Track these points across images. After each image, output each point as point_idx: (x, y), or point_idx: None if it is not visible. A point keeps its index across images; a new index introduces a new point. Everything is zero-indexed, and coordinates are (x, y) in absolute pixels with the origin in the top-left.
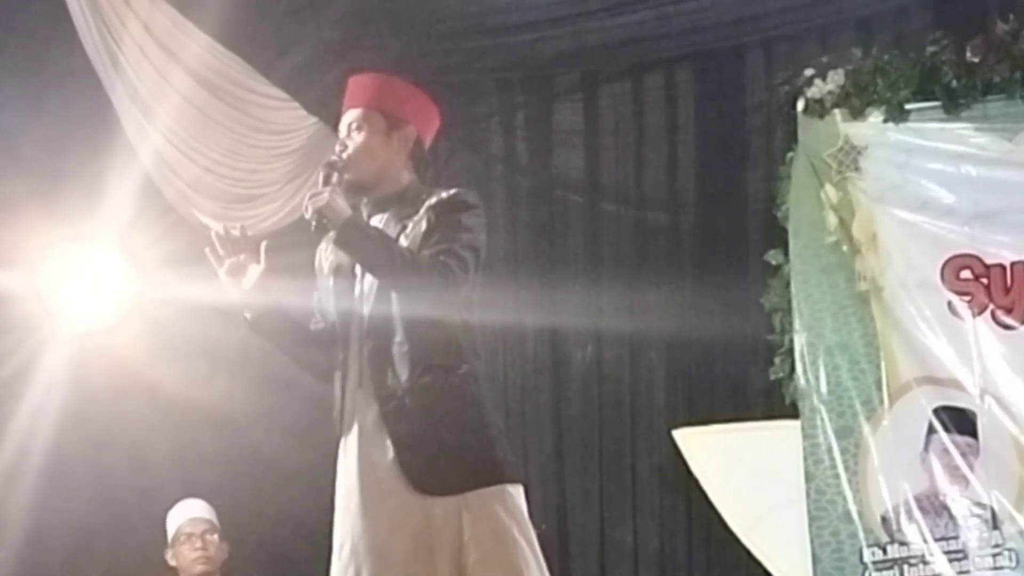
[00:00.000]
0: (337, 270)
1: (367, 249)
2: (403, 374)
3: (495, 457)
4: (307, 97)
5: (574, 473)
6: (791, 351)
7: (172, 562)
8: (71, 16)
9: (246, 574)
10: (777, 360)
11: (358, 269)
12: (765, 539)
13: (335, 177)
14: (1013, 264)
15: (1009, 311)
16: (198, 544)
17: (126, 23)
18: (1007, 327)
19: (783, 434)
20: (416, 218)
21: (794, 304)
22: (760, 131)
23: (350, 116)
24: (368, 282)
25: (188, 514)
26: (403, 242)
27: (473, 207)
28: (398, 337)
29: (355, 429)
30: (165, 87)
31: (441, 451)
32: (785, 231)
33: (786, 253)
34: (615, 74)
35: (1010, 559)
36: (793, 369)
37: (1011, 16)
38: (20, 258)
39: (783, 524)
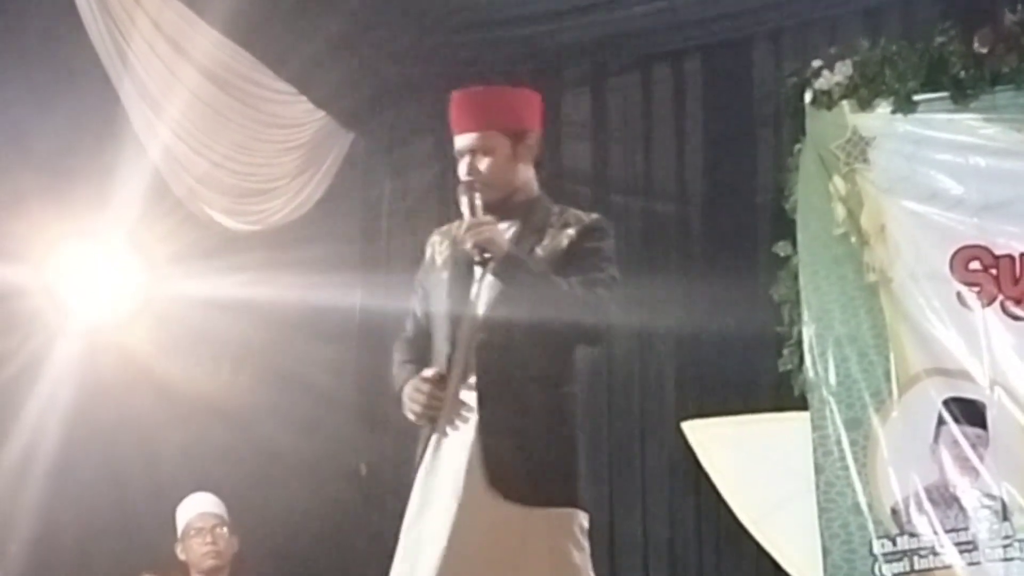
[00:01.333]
0: (455, 265)
1: (527, 282)
2: (511, 379)
3: (576, 481)
4: (316, 91)
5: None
6: (800, 343)
7: (182, 556)
8: (79, 12)
9: (256, 568)
10: (786, 352)
11: (477, 268)
12: (775, 531)
13: (478, 200)
14: (1022, 255)
15: (1018, 302)
16: (208, 538)
17: (135, 19)
18: (1016, 318)
19: (792, 426)
20: (552, 233)
21: (803, 296)
22: (768, 122)
23: (469, 140)
24: (487, 282)
25: (198, 508)
26: (539, 253)
27: (610, 236)
28: (511, 343)
29: (451, 426)
30: (174, 82)
31: (532, 462)
32: (793, 222)
33: (794, 245)
34: (623, 66)
35: (1020, 550)
36: (802, 361)
37: (1019, 6)
38: (29, 253)
39: (792, 516)
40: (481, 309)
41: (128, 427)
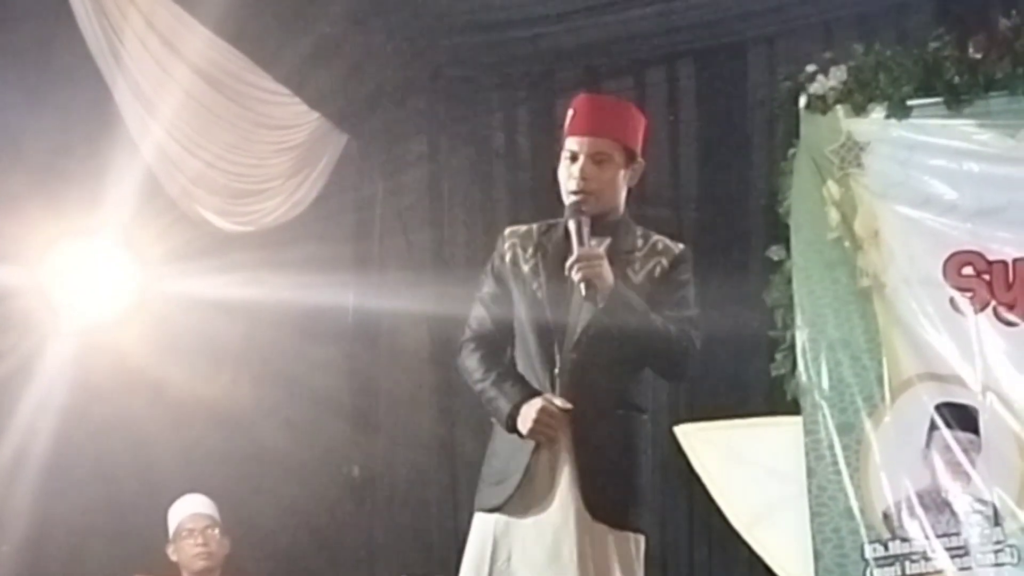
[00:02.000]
0: (549, 279)
1: (629, 319)
2: (605, 399)
3: (642, 506)
4: (308, 92)
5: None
6: (793, 347)
7: (173, 557)
8: (73, 11)
9: (247, 569)
10: (779, 356)
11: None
12: (766, 535)
13: (586, 228)
14: (1015, 261)
15: (1011, 307)
16: (199, 539)
17: (128, 16)
18: (1009, 323)
19: (785, 430)
20: (640, 258)
21: (796, 300)
22: (762, 127)
23: (590, 144)
24: (586, 304)
25: (190, 509)
26: (633, 279)
27: (690, 267)
28: (604, 368)
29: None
30: (167, 81)
31: (616, 483)
32: (787, 227)
33: (788, 249)
34: (617, 70)
35: (1012, 555)
36: (795, 365)
37: (1013, 12)
38: (22, 253)
39: (784, 520)
40: (579, 328)
41: (120, 427)
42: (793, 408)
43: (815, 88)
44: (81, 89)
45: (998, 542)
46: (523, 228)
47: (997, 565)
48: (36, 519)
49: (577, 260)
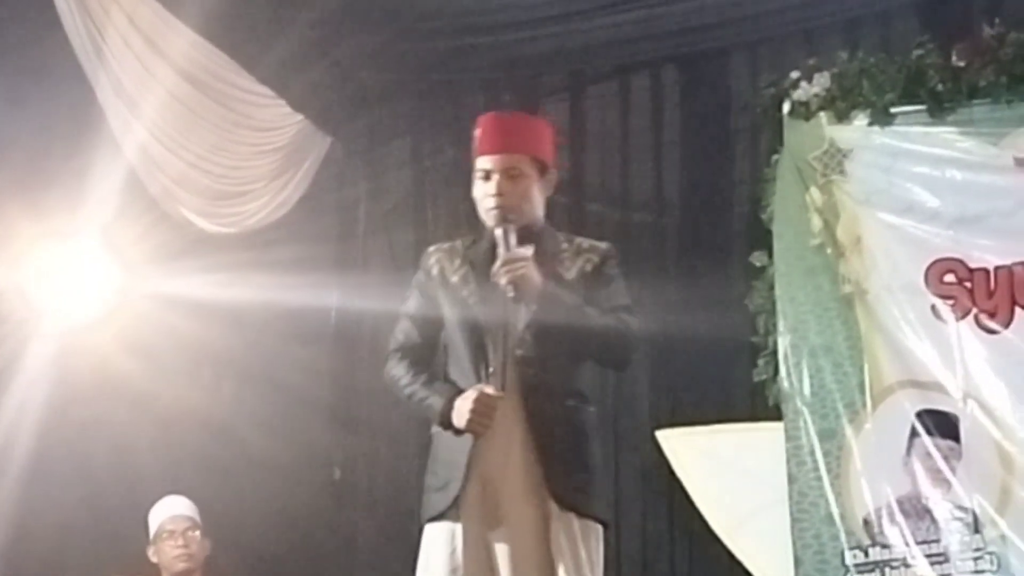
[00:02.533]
0: (480, 285)
1: (562, 314)
2: (554, 393)
3: (601, 495)
4: (292, 94)
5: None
6: (775, 353)
7: (154, 559)
8: (56, 6)
9: (228, 571)
10: (761, 362)
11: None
12: (747, 541)
13: (512, 235)
14: (997, 268)
15: (992, 315)
16: (180, 541)
17: (111, 15)
18: (990, 331)
19: (766, 436)
20: (567, 259)
21: (778, 306)
22: (745, 133)
23: (499, 160)
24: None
25: (170, 511)
26: (566, 277)
27: (617, 263)
28: (549, 362)
29: (492, 437)
30: (150, 81)
31: (575, 471)
32: (770, 233)
33: (770, 255)
34: (601, 75)
35: (991, 563)
36: (777, 371)
37: (997, 20)
38: (3, 254)
39: (765, 526)
40: (521, 325)
41: (101, 429)
42: (775, 414)
43: (798, 95)
44: (64, 88)
45: (978, 549)
46: (447, 244)
47: (977, 572)
48: (16, 520)
49: (503, 264)
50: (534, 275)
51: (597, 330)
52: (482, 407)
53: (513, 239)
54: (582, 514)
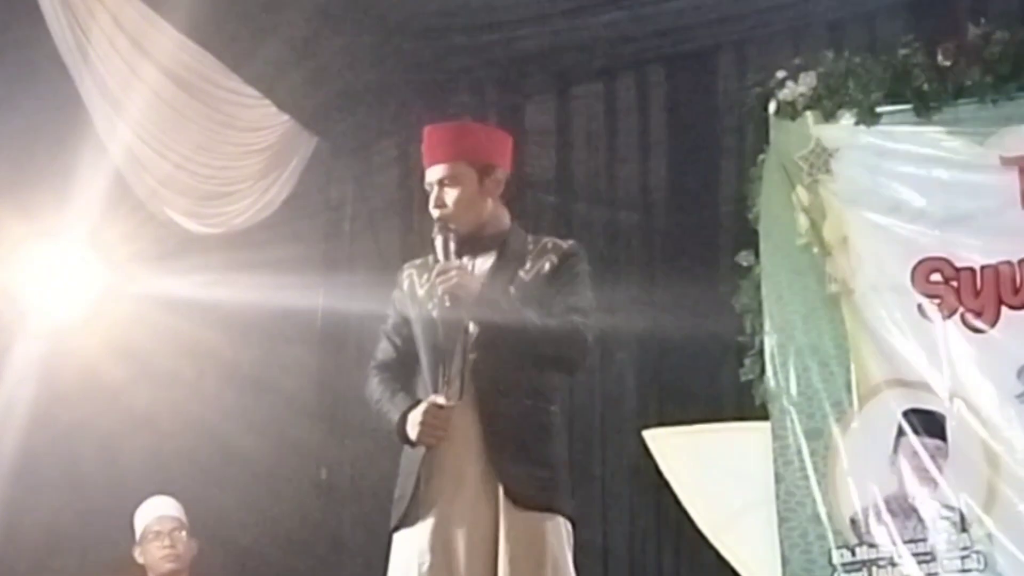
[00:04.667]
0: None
1: (501, 320)
2: (510, 394)
3: (565, 491)
4: (277, 94)
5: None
6: (761, 352)
7: (140, 559)
8: (40, 6)
9: (215, 572)
10: (747, 361)
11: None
12: (735, 540)
13: (452, 243)
14: (983, 267)
15: (978, 314)
16: (166, 541)
17: (95, 14)
18: (976, 330)
19: (753, 435)
20: (531, 260)
21: (765, 306)
22: (732, 133)
23: (437, 171)
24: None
25: (157, 512)
26: (523, 278)
27: (584, 260)
28: (501, 365)
29: (450, 443)
30: (135, 81)
31: (533, 469)
32: (756, 233)
33: (757, 255)
34: (587, 75)
35: (978, 561)
36: (763, 370)
37: (982, 20)
38: None
39: (753, 525)
40: (474, 330)
41: (87, 429)
42: (762, 413)
43: (785, 94)
44: (49, 89)
45: (965, 548)
46: (419, 260)
47: (964, 571)
48: (3, 521)
49: (437, 274)
50: (468, 282)
51: (538, 335)
52: (431, 418)
53: (451, 246)
54: (544, 511)
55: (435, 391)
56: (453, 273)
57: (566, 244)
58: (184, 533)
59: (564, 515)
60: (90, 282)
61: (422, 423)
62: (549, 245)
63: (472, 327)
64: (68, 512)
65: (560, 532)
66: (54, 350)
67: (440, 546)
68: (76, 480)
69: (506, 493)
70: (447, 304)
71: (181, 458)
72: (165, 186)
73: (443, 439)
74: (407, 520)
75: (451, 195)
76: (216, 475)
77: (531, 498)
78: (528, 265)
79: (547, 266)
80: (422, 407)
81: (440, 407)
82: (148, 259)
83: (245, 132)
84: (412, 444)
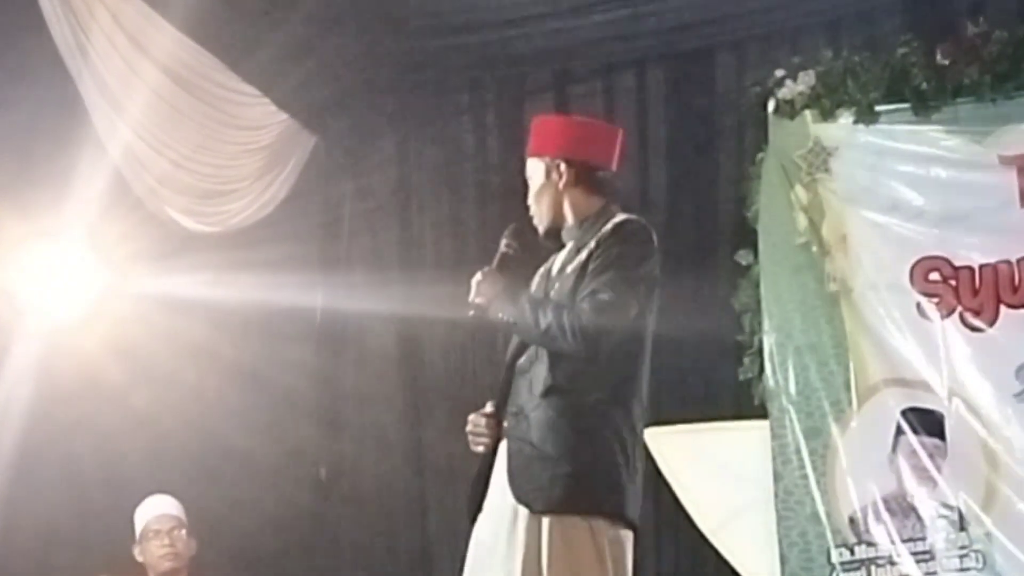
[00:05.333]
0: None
1: (517, 319)
2: (536, 389)
3: (595, 489)
4: (276, 93)
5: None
6: (760, 351)
7: (140, 558)
8: (40, 5)
9: (214, 570)
10: (746, 360)
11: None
12: (733, 539)
13: (502, 247)
14: (982, 266)
15: (977, 313)
16: (166, 540)
17: (95, 13)
18: (975, 329)
19: (752, 434)
20: (587, 246)
21: (764, 304)
22: (730, 131)
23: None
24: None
25: (156, 510)
26: (567, 270)
27: (638, 235)
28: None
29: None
30: (134, 80)
31: (546, 471)
32: (755, 231)
33: (756, 253)
34: (586, 73)
35: (977, 560)
36: (762, 369)
37: (980, 19)
38: None
39: (751, 524)
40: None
41: (87, 428)
42: (760, 412)
43: (783, 93)
44: (48, 87)
45: (963, 547)
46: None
47: (962, 570)
48: (1, 520)
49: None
50: (488, 290)
51: (547, 340)
52: (472, 427)
53: (501, 250)
54: (544, 513)
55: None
56: (478, 277)
57: (612, 222)
58: (183, 532)
59: (590, 515)
60: (89, 281)
61: (468, 432)
62: (606, 229)
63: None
64: (67, 511)
65: (591, 538)
66: (53, 349)
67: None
68: (75, 479)
69: (516, 497)
70: (470, 313)
71: (180, 457)
72: (164, 185)
73: (486, 445)
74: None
75: (532, 192)
76: (215, 474)
77: (547, 501)
78: (577, 255)
79: (584, 254)
80: (470, 417)
81: (485, 415)
82: (147, 258)
83: (244, 131)
84: None
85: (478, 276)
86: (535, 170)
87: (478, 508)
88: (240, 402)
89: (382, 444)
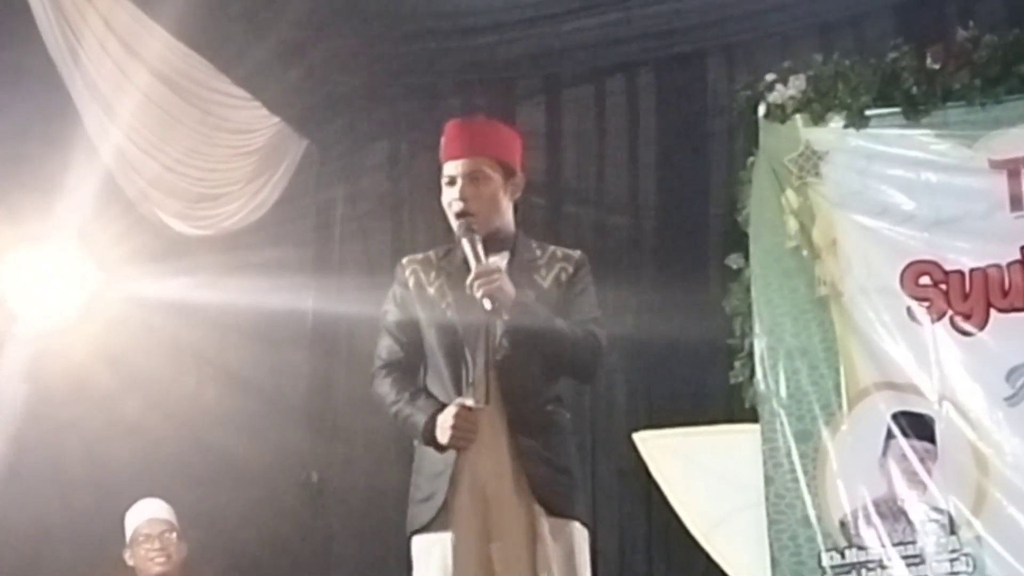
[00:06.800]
0: (456, 297)
1: (534, 326)
2: (534, 398)
3: (581, 497)
4: (268, 96)
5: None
6: (751, 355)
7: (130, 562)
8: (31, 8)
9: (205, 574)
10: (737, 364)
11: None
12: (724, 542)
13: (479, 245)
14: (972, 270)
15: (967, 317)
16: (156, 544)
17: (86, 17)
18: (965, 333)
19: (743, 438)
20: (542, 269)
21: (754, 308)
22: (721, 135)
23: (464, 165)
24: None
25: (146, 514)
26: (541, 283)
27: (590, 272)
28: (527, 370)
29: (479, 448)
30: (126, 83)
31: (560, 474)
32: (746, 235)
33: (747, 257)
34: (577, 77)
35: (967, 564)
36: (753, 373)
37: (971, 23)
38: None
39: (742, 528)
40: (499, 333)
41: (77, 432)
42: (751, 416)
43: (774, 97)
44: (39, 91)
45: (954, 551)
46: (420, 255)
47: (953, 574)
48: None
49: (476, 277)
50: (508, 286)
51: (567, 342)
52: (463, 422)
53: (480, 248)
54: (568, 517)
55: (458, 393)
56: (495, 276)
57: (576, 254)
58: (174, 535)
59: (583, 523)
60: (80, 284)
61: (454, 426)
62: (559, 254)
63: (499, 330)
64: (57, 514)
65: (583, 539)
66: (43, 353)
67: (472, 552)
68: (65, 483)
69: (539, 500)
70: (488, 308)
71: (171, 460)
72: (156, 188)
73: (473, 442)
74: (435, 525)
75: (477, 191)
76: (206, 477)
77: (558, 505)
78: (544, 272)
79: (563, 275)
80: (451, 410)
81: (470, 409)
82: (138, 261)
83: (236, 134)
84: (441, 448)
85: (491, 271)
86: (488, 171)
87: None
88: (231, 405)
89: (374, 448)
